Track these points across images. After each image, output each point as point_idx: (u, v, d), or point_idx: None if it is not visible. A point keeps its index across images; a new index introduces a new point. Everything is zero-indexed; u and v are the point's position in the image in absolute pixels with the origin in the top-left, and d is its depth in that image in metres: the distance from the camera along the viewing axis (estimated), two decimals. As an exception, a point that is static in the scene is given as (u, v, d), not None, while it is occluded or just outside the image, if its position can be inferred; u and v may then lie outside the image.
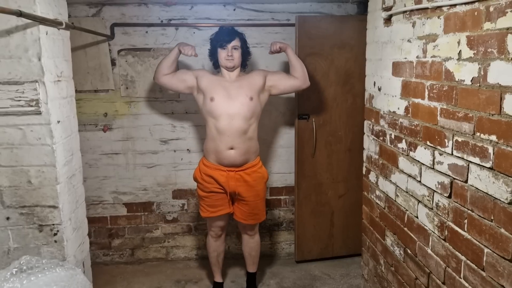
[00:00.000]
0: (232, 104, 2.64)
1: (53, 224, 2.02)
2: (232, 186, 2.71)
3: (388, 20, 2.24)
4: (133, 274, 3.37)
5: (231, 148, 2.65)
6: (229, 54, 2.67)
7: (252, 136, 2.71)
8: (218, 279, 3.08)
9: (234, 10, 3.25)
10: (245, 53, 2.80)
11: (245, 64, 2.85)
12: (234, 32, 2.73)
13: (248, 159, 2.71)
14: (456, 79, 1.63)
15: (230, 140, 2.64)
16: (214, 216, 2.81)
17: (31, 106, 1.89)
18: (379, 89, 2.39)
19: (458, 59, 1.61)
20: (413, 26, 1.96)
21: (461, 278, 1.65)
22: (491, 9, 1.41)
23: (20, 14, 1.62)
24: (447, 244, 1.74)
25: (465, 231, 1.62)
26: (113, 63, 3.24)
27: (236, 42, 2.69)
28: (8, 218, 2.00)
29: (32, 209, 2.00)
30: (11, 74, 1.86)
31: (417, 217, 2.00)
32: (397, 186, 2.19)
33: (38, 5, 1.82)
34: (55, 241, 2.04)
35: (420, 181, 1.95)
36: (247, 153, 2.69)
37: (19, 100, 1.88)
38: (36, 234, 2.02)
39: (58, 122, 2.01)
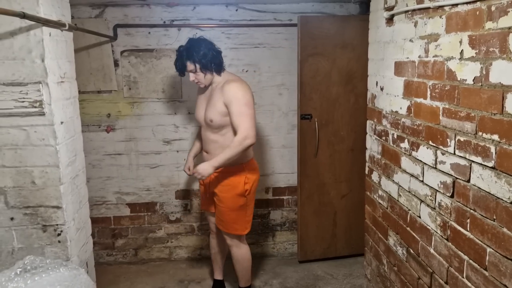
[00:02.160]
0: (203, 117, 2.67)
1: (57, 225, 2.03)
2: (207, 183, 2.73)
3: (390, 20, 2.24)
4: (137, 274, 3.38)
5: (207, 152, 2.70)
6: (192, 80, 2.61)
7: (224, 145, 2.55)
8: (217, 276, 3.07)
9: (237, 10, 3.26)
10: (206, 65, 2.53)
11: (218, 68, 2.59)
12: (181, 58, 2.55)
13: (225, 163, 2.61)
14: (458, 79, 1.63)
15: (205, 144, 2.71)
16: (202, 209, 3.02)
17: (35, 107, 1.90)
18: (382, 89, 2.39)
19: (460, 59, 1.61)
20: (415, 25, 1.96)
21: (463, 277, 1.65)
22: (493, 8, 1.41)
23: (23, 15, 1.63)
24: (450, 243, 1.74)
25: (467, 231, 1.62)
26: (116, 64, 3.25)
27: (190, 67, 2.54)
28: (12, 219, 2.01)
29: (36, 209, 2.01)
30: (15, 75, 1.88)
31: (419, 217, 2.00)
32: (400, 185, 2.19)
33: (41, 6, 1.83)
34: (59, 241, 2.05)
35: (422, 181, 1.95)
36: None
37: (23, 101, 1.89)
38: (40, 234, 2.03)
39: (62, 123, 2.02)
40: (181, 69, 2.61)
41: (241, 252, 2.80)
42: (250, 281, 2.93)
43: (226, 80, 2.58)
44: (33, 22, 1.81)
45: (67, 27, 2.04)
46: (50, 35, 1.92)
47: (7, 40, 1.84)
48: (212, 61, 2.55)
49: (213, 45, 2.59)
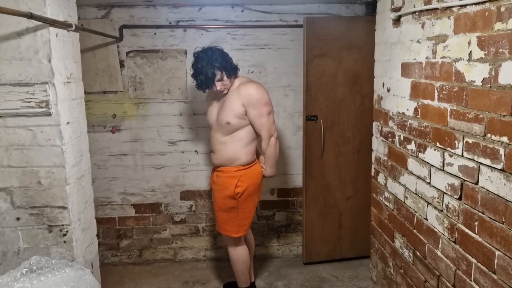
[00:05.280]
0: (214, 119, 2.67)
1: (63, 225, 2.03)
2: (211, 183, 2.82)
3: (397, 21, 2.23)
4: (141, 275, 3.38)
5: (213, 151, 2.71)
6: (220, 88, 2.57)
7: (232, 145, 2.62)
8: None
9: (242, 11, 3.25)
10: (230, 69, 2.56)
11: (236, 70, 2.64)
12: (207, 70, 2.49)
13: (222, 164, 2.67)
14: (467, 80, 1.61)
15: (213, 145, 2.71)
16: None
17: (41, 107, 1.91)
18: (388, 90, 2.38)
19: (469, 60, 1.60)
20: (423, 26, 1.95)
21: (471, 281, 1.64)
22: (502, 9, 1.40)
23: (31, 16, 1.64)
24: (457, 246, 1.73)
25: (475, 234, 1.60)
26: (121, 64, 3.26)
27: (218, 76, 2.51)
28: (18, 219, 2.01)
29: (42, 209, 2.01)
30: (22, 76, 1.88)
31: (426, 219, 1.98)
32: (406, 187, 2.18)
33: (48, 7, 1.83)
34: (64, 242, 2.05)
35: (429, 183, 1.94)
36: (220, 158, 2.67)
37: (30, 102, 1.90)
38: (46, 234, 2.04)
39: (68, 123, 2.02)
40: (208, 82, 2.53)
41: (236, 253, 2.81)
42: (248, 283, 2.92)
43: (240, 82, 2.62)
44: (40, 23, 1.82)
45: (73, 28, 2.04)
46: (57, 36, 1.92)
47: (14, 41, 1.85)
48: (232, 64, 2.59)
49: (223, 50, 2.63)
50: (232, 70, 2.58)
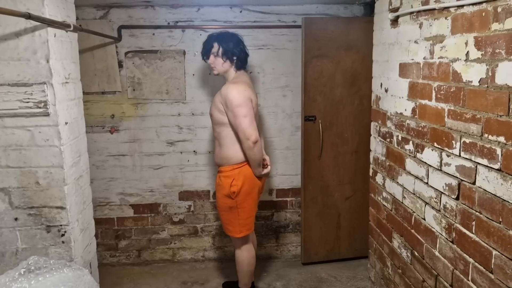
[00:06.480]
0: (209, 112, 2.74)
1: (61, 225, 2.03)
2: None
3: (395, 22, 2.24)
4: (140, 276, 3.38)
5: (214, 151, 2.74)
6: (210, 63, 2.65)
7: (222, 143, 2.65)
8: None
9: (241, 12, 3.26)
10: (228, 53, 2.59)
11: (237, 64, 2.63)
12: (209, 39, 2.63)
13: (220, 163, 2.70)
14: (464, 80, 1.62)
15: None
16: None
17: (39, 107, 1.91)
18: (386, 91, 2.38)
19: (466, 60, 1.60)
20: (420, 27, 1.95)
21: (469, 280, 1.64)
22: (499, 9, 1.40)
23: (29, 16, 1.64)
24: (455, 246, 1.73)
25: (473, 233, 1.61)
26: (120, 65, 3.26)
27: (214, 48, 2.59)
28: (16, 219, 2.01)
29: (40, 210, 2.01)
30: (20, 76, 1.88)
31: (424, 219, 1.99)
32: (404, 187, 2.18)
33: (46, 7, 1.83)
34: (63, 242, 2.05)
35: (427, 183, 1.94)
36: (217, 157, 2.71)
37: (28, 102, 1.90)
38: (44, 234, 2.04)
39: (66, 123, 2.02)
40: (206, 50, 2.63)
41: (242, 255, 2.80)
42: (249, 285, 2.91)
43: (231, 79, 2.64)
44: (38, 23, 1.82)
45: (72, 28, 2.04)
46: (55, 36, 1.92)
47: (12, 41, 1.85)
48: (236, 54, 2.61)
49: (243, 43, 2.67)
50: (232, 57, 2.60)
